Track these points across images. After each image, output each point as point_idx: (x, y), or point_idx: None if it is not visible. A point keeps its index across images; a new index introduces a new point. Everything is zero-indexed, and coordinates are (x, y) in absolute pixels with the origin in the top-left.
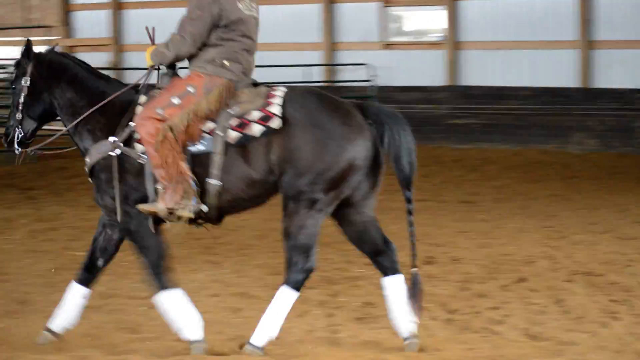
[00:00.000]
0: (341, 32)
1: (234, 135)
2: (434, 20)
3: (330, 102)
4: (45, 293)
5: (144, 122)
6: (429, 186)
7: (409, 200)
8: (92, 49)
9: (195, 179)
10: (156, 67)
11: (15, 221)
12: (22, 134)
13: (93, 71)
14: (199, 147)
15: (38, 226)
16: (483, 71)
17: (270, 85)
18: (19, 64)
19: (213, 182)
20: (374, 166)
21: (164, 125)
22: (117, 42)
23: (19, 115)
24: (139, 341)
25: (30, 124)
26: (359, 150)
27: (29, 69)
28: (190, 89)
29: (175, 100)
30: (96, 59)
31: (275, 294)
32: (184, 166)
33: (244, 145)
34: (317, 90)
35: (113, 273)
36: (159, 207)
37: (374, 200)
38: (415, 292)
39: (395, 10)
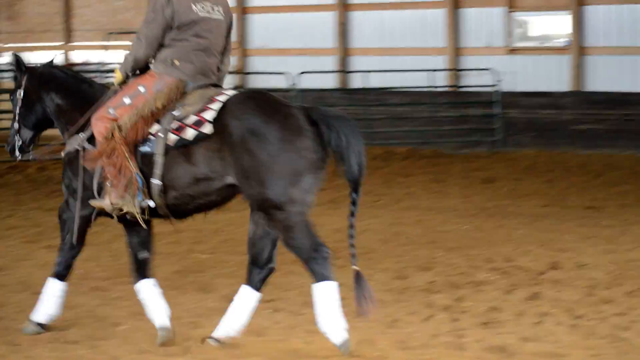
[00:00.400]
0: (466, 37)
1: (172, 138)
2: (559, 26)
3: (270, 105)
4: (170, 295)
5: (97, 121)
6: (553, 192)
7: (353, 202)
8: None
9: (142, 177)
10: (125, 77)
11: None
12: (20, 142)
13: (78, 77)
14: (145, 148)
15: (162, 228)
16: (608, 77)
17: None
18: (15, 78)
19: (155, 181)
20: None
21: (113, 124)
22: (241, 46)
23: (16, 125)
24: (263, 344)
25: (27, 133)
26: (298, 151)
27: (24, 82)
28: (141, 89)
29: (127, 100)
30: None
31: (400, 297)
32: (130, 164)
33: (182, 147)
34: (259, 94)
35: (238, 276)
36: (105, 202)
37: None
38: (361, 290)
39: (520, 16)
